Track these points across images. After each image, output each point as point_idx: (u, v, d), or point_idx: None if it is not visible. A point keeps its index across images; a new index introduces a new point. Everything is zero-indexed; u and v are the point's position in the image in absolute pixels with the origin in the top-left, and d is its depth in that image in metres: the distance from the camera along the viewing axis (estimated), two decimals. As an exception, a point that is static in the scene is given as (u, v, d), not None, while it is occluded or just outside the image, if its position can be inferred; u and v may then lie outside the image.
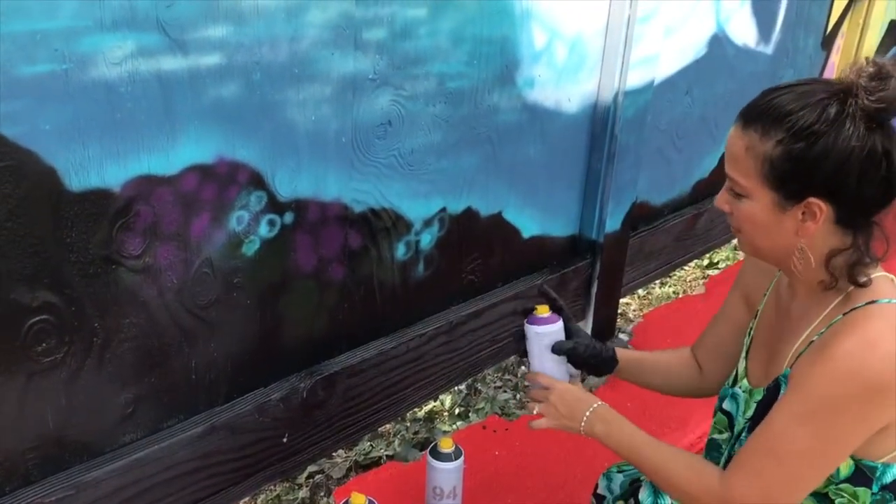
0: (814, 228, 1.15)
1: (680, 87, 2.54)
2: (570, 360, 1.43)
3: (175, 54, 1.27)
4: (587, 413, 1.34)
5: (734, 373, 1.38)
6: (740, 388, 1.34)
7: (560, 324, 1.41)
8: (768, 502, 1.17)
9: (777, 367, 1.24)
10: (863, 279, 1.14)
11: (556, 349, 1.41)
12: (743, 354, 1.37)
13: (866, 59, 1.11)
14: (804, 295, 1.23)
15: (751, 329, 1.38)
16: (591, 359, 1.44)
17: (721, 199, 1.23)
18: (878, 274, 1.17)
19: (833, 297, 1.18)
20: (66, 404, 1.34)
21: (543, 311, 1.41)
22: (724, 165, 1.21)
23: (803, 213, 1.14)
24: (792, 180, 1.13)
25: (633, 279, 2.67)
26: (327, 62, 1.49)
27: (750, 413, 1.28)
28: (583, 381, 2.49)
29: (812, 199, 1.12)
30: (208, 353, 1.52)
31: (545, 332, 1.40)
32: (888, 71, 1.08)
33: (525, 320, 1.42)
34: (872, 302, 1.13)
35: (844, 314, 1.14)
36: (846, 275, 1.15)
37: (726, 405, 1.38)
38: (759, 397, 1.27)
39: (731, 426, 1.37)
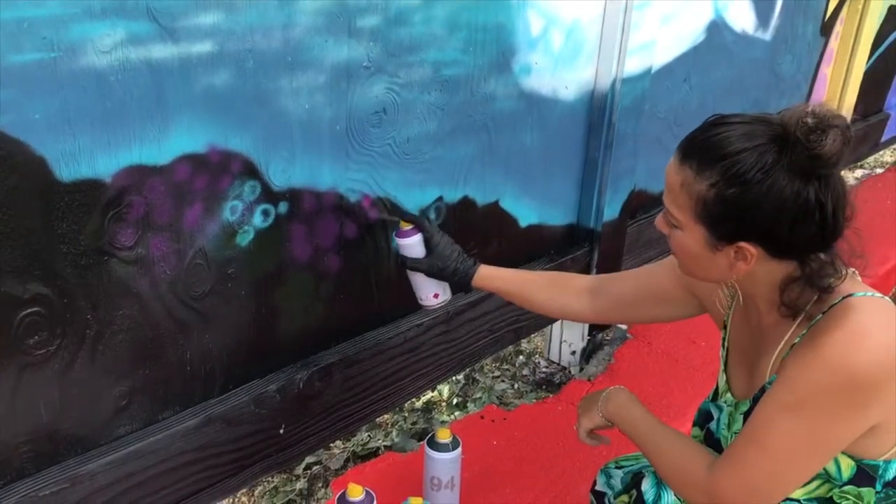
0: (745, 268, 1.14)
1: (678, 74, 2.52)
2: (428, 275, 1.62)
3: (165, 42, 1.25)
4: (603, 394, 1.43)
5: (715, 387, 1.38)
6: (725, 402, 1.33)
7: (416, 238, 1.61)
8: (752, 494, 1.16)
9: (760, 377, 1.23)
10: (828, 285, 1.12)
11: (400, 264, 1.63)
12: (721, 368, 1.37)
13: (809, 107, 1.08)
14: (771, 310, 1.21)
15: (724, 340, 1.37)
16: (438, 277, 1.62)
17: (660, 222, 1.23)
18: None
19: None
20: (59, 397, 1.33)
21: (405, 225, 1.63)
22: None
23: (735, 254, 1.13)
24: (723, 223, 1.11)
25: (632, 268, 2.65)
26: (321, 50, 1.47)
27: (738, 426, 1.27)
28: (582, 367, 2.49)
29: (743, 244, 1.11)
30: (203, 345, 1.51)
31: (402, 243, 1.62)
32: (827, 123, 1.05)
33: (394, 232, 1.66)
34: (849, 296, 1.12)
35: (824, 312, 1.13)
36: (810, 290, 1.13)
37: (709, 421, 1.38)
38: (745, 409, 1.26)
39: (706, 441, 1.36)
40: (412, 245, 1.62)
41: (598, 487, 1.55)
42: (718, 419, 1.34)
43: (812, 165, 1.05)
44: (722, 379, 1.36)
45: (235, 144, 1.41)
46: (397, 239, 1.63)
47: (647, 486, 1.41)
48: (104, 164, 1.24)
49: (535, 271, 1.66)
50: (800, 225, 1.08)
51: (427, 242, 1.61)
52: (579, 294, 1.56)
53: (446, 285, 1.66)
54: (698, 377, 2.49)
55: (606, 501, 1.51)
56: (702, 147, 1.12)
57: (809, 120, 1.05)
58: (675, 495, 1.37)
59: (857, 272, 1.17)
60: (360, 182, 1.66)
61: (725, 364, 1.36)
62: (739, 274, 1.15)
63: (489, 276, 1.60)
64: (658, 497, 1.37)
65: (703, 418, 1.40)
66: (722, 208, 1.10)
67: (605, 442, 1.49)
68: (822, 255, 1.12)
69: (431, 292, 1.66)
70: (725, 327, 1.37)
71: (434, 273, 1.60)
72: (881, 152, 4.86)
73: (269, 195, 1.50)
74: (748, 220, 1.09)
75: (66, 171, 1.20)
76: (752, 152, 1.07)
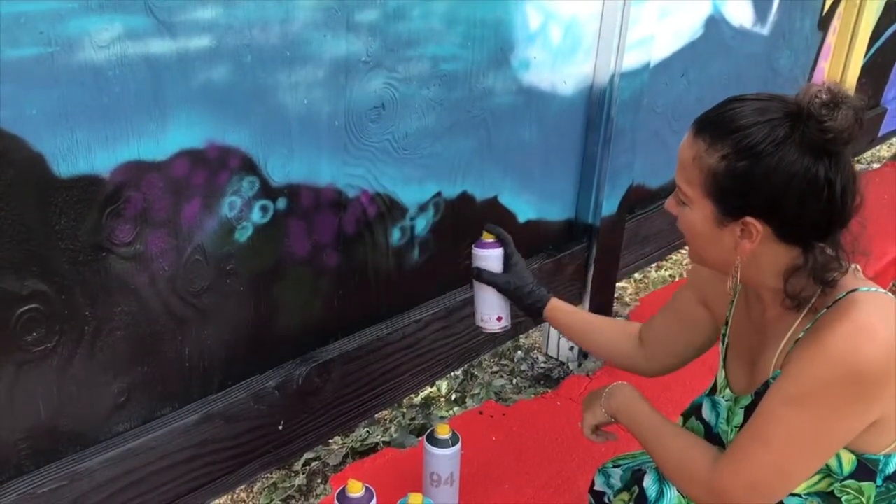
0: (750, 247, 1.14)
1: (676, 69, 2.52)
2: (502, 292, 1.57)
3: (164, 37, 1.24)
4: (606, 390, 1.43)
5: (713, 382, 1.38)
6: (723, 397, 1.33)
7: (498, 251, 1.55)
8: (755, 490, 1.15)
9: (763, 372, 1.23)
10: (832, 279, 1.12)
11: (475, 275, 1.56)
12: (721, 364, 1.36)
13: (824, 84, 1.09)
14: (775, 302, 1.21)
15: (724, 336, 1.37)
16: (513, 296, 1.56)
17: (670, 203, 1.24)
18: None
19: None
20: (57, 394, 1.32)
21: (488, 237, 1.56)
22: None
23: (741, 231, 1.13)
24: (732, 197, 1.12)
25: (630, 263, 2.66)
26: (319, 44, 1.46)
27: (738, 420, 1.27)
28: (581, 363, 2.49)
29: (749, 219, 1.11)
30: (202, 341, 1.51)
31: (481, 254, 1.55)
32: (840, 99, 1.06)
33: (474, 243, 1.58)
34: (854, 290, 1.12)
35: (828, 307, 1.13)
36: (814, 282, 1.13)
37: (705, 412, 1.37)
38: (746, 403, 1.25)
39: (706, 436, 1.36)
40: (491, 258, 1.54)
41: (596, 487, 1.54)
42: (717, 414, 1.34)
43: (822, 139, 1.05)
44: (721, 375, 1.35)
45: (234, 140, 1.40)
46: (477, 250, 1.55)
47: (649, 482, 1.40)
48: (102, 159, 1.24)
49: (600, 316, 1.65)
50: (807, 202, 1.08)
51: (506, 259, 1.56)
52: (633, 340, 1.56)
53: (509, 310, 1.60)
54: (696, 372, 2.48)
55: (606, 500, 1.50)
56: (715, 121, 1.13)
57: (823, 95, 1.06)
58: (678, 491, 1.36)
59: (859, 268, 1.17)
60: (358, 177, 1.65)
61: (724, 360, 1.36)
62: (744, 254, 1.15)
63: (559, 308, 1.57)
64: (661, 493, 1.37)
65: (694, 410, 1.41)
66: (731, 181, 1.10)
67: (613, 438, 1.49)
68: (827, 250, 1.12)
69: (496, 314, 1.58)
70: (726, 323, 1.37)
71: (510, 291, 1.55)
72: (878, 147, 4.87)
73: (268, 191, 1.49)
74: (755, 194, 1.10)
75: (64, 166, 1.20)
76: (764, 125, 1.08)
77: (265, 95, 1.42)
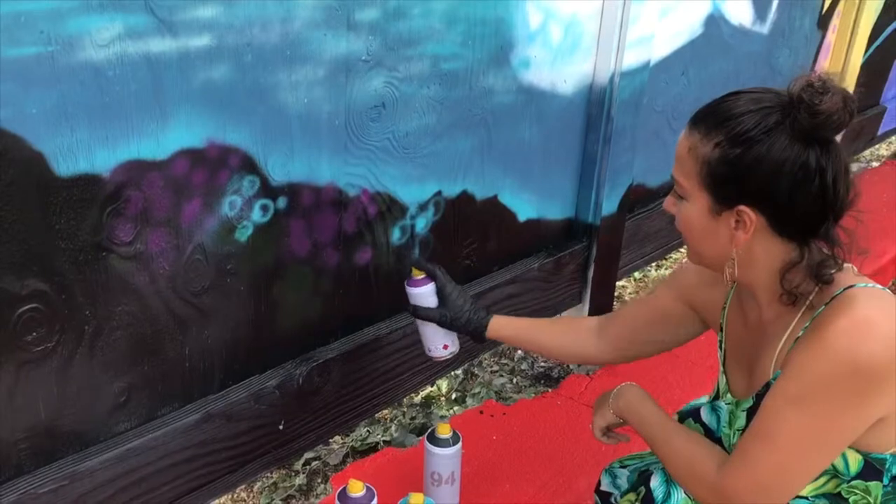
0: (744, 238, 1.14)
1: (676, 68, 2.52)
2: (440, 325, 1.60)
3: (164, 36, 1.24)
4: (614, 391, 1.44)
5: (716, 388, 1.38)
6: (724, 401, 1.33)
7: (429, 287, 1.58)
8: (762, 491, 1.15)
9: (763, 374, 1.23)
10: (828, 276, 1.13)
11: (412, 313, 1.60)
12: (721, 370, 1.37)
13: (814, 73, 1.11)
14: (771, 303, 1.21)
15: (721, 342, 1.37)
16: (451, 327, 1.60)
17: (668, 202, 1.25)
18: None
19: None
20: (57, 394, 1.32)
21: (418, 274, 1.59)
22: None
23: (736, 221, 1.14)
24: (725, 185, 1.13)
25: (630, 262, 2.66)
26: (319, 43, 1.46)
27: (740, 423, 1.26)
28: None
29: (743, 208, 1.12)
30: (202, 341, 1.51)
31: (413, 293, 1.59)
32: (830, 85, 1.07)
33: (406, 281, 1.61)
34: (851, 286, 1.12)
35: (826, 303, 1.13)
36: (811, 279, 1.14)
37: (704, 416, 1.37)
38: (747, 405, 1.25)
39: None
40: (424, 294, 1.59)
41: (603, 488, 1.53)
42: (718, 418, 1.34)
43: (813, 124, 1.07)
44: (722, 380, 1.35)
45: (234, 139, 1.40)
46: (409, 288, 1.60)
47: (656, 483, 1.39)
48: (102, 158, 1.23)
49: (546, 318, 1.66)
50: (799, 189, 1.09)
51: (440, 292, 1.59)
52: (591, 335, 1.58)
53: (455, 336, 1.64)
54: (696, 371, 2.49)
55: (612, 501, 1.50)
56: (711, 112, 1.16)
57: (815, 82, 1.08)
58: (685, 493, 1.36)
59: (855, 268, 1.17)
60: (358, 176, 1.65)
61: (724, 365, 1.36)
62: (739, 246, 1.16)
63: (502, 325, 1.60)
64: (668, 495, 1.36)
65: (691, 412, 1.41)
66: (724, 168, 1.12)
67: (624, 440, 1.49)
68: (823, 247, 1.12)
69: (441, 343, 1.63)
70: (722, 329, 1.37)
71: (446, 323, 1.58)
72: (877, 146, 4.87)
73: (268, 190, 1.49)
74: (748, 181, 1.11)
75: (64, 166, 1.19)
76: (756, 114, 1.10)
77: (265, 94, 1.42)
